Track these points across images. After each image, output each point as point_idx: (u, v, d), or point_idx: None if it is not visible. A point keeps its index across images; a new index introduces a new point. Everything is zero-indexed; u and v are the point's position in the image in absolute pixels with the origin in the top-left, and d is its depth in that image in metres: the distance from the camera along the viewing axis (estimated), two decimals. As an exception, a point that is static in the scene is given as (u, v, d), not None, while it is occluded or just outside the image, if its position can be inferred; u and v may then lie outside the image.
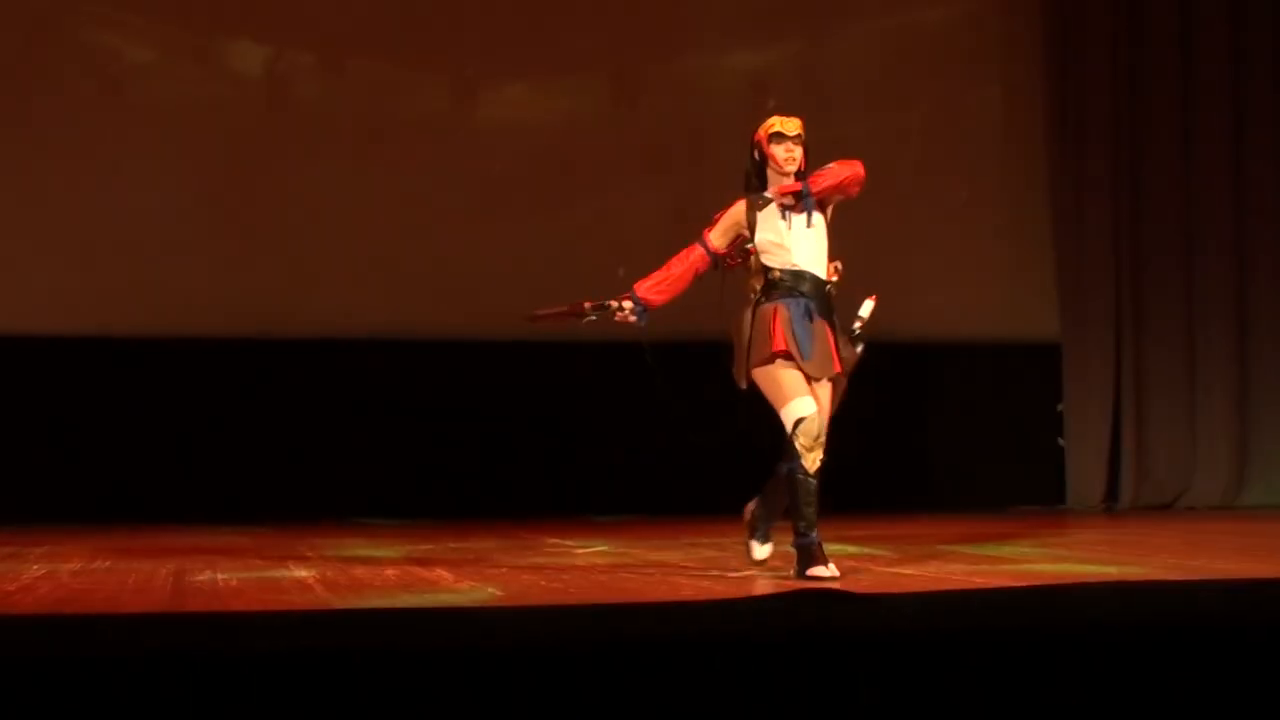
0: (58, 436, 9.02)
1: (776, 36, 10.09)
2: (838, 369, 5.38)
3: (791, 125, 5.58)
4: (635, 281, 5.67)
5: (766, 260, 5.47)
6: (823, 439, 5.26)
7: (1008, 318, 10.26)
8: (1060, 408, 10.23)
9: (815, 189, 5.43)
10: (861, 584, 4.98)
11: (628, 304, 5.65)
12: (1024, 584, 4.81)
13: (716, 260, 5.59)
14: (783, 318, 5.33)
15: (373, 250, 9.41)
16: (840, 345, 5.42)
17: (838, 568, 5.21)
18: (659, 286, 5.64)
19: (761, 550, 5.70)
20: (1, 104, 9.09)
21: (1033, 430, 10.21)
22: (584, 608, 4.04)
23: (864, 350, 5.52)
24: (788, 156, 5.53)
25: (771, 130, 5.59)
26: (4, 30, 9.16)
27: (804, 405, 5.27)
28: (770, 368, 5.33)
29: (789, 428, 5.27)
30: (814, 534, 5.24)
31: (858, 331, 5.51)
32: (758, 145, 5.64)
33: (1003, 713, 3.27)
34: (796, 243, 5.43)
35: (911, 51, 10.20)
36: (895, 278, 10.11)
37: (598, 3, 9.86)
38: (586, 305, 5.68)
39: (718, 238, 5.59)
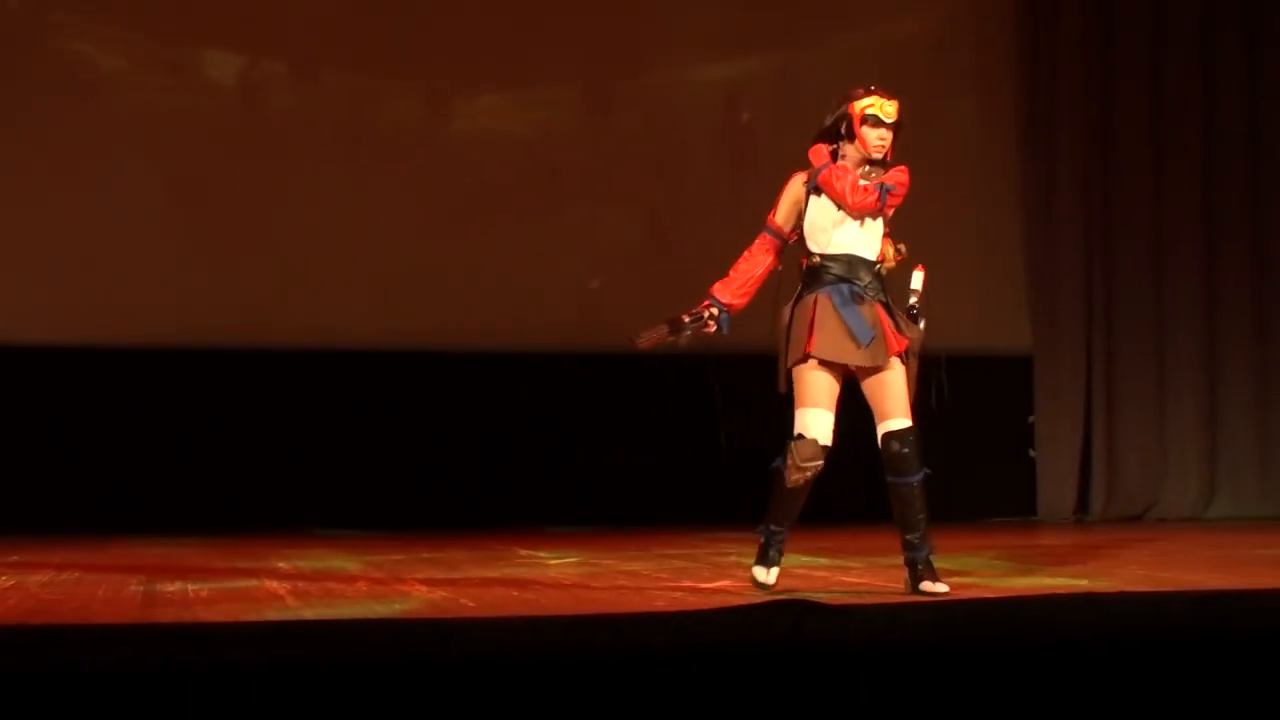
0: (24, 446, 8.96)
1: (750, 50, 10.10)
2: (895, 350, 5.11)
3: (891, 109, 5.22)
4: (713, 285, 5.32)
5: (811, 245, 5.18)
6: (817, 464, 5.03)
7: (980, 330, 10.27)
8: (1032, 419, 10.25)
9: (888, 206, 5.17)
10: (833, 595, 4.98)
11: (713, 310, 5.26)
12: (995, 595, 4.82)
13: (786, 243, 5.26)
14: (824, 310, 5.06)
15: (347, 259, 9.38)
16: (902, 326, 5.14)
17: (803, 582, 5.21)
18: (740, 288, 5.27)
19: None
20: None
21: (1005, 442, 10.23)
22: (556, 619, 4.03)
23: (925, 327, 5.23)
24: (879, 144, 5.19)
25: (868, 110, 5.21)
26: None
27: (814, 423, 5.05)
28: (803, 366, 5.08)
29: (792, 434, 5.09)
30: (774, 534, 5.14)
31: (915, 307, 5.21)
32: (846, 118, 5.24)
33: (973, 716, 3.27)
34: (847, 223, 5.15)
35: (885, 65, 10.18)
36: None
37: (572, 15, 9.85)
38: (685, 319, 5.28)
39: (782, 218, 5.26)
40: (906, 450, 5.12)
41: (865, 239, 5.17)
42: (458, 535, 8.17)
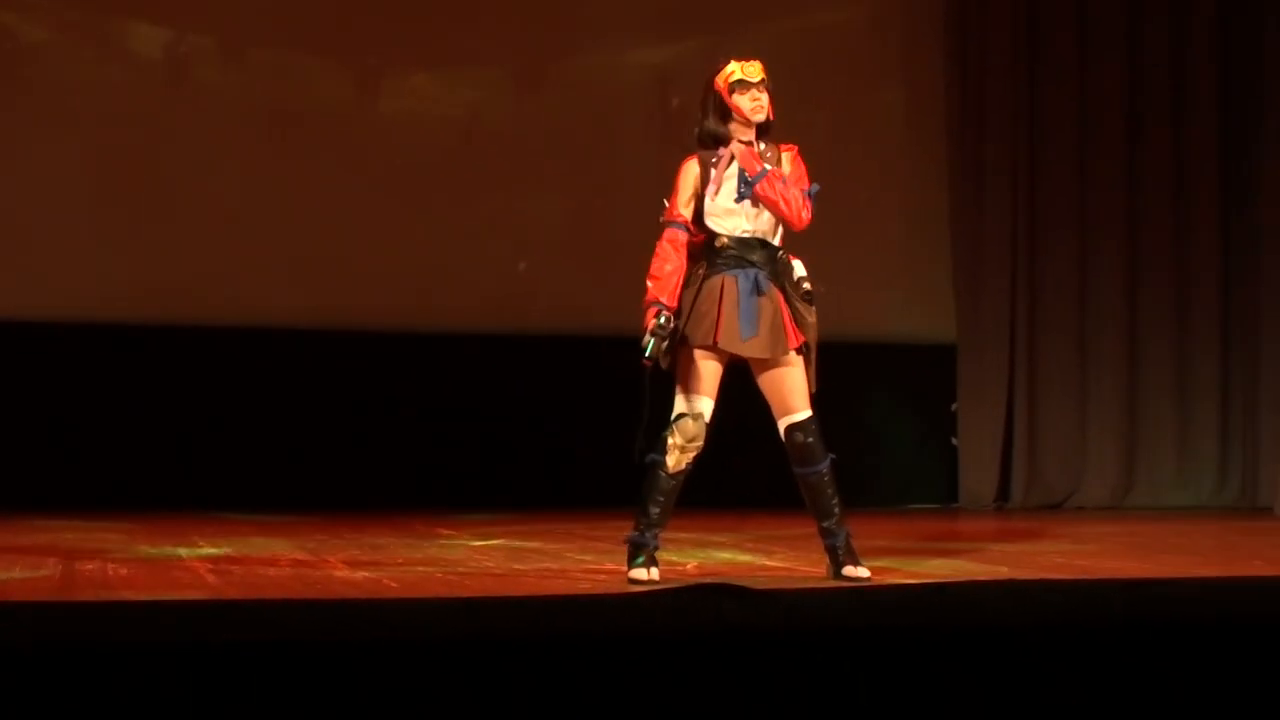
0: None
1: (681, 34, 10.08)
2: (794, 344, 5.02)
3: (754, 70, 5.08)
4: (648, 292, 5.07)
5: (714, 225, 5.05)
6: (699, 444, 4.95)
7: (906, 319, 10.33)
8: (954, 408, 10.32)
9: (760, 193, 5.01)
10: (756, 580, 5.00)
11: (668, 314, 5.00)
12: (917, 581, 4.85)
13: (691, 233, 5.09)
14: (729, 299, 4.95)
15: (273, 237, 9.30)
16: (801, 315, 5.04)
17: (726, 567, 5.21)
18: (674, 289, 5.04)
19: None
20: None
21: (927, 429, 10.30)
22: (479, 600, 4.02)
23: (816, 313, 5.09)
24: (754, 105, 5.07)
25: (733, 78, 5.08)
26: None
27: (697, 403, 4.96)
28: (698, 351, 4.98)
29: (671, 418, 4.99)
30: (650, 534, 5.01)
31: (810, 293, 5.09)
32: (716, 95, 5.13)
33: (895, 709, 3.29)
34: (748, 206, 5.03)
35: (813, 51, 10.22)
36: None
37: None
38: (658, 326, 4.97)
39: (684, 208, 5.10)
40: (810, 440, 5.11)
41: (769, 223, 5.08)
42: (381, 517, 8.13)
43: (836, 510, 5.12)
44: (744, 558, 5.98)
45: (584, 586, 4.77)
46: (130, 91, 9.23)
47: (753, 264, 5.02)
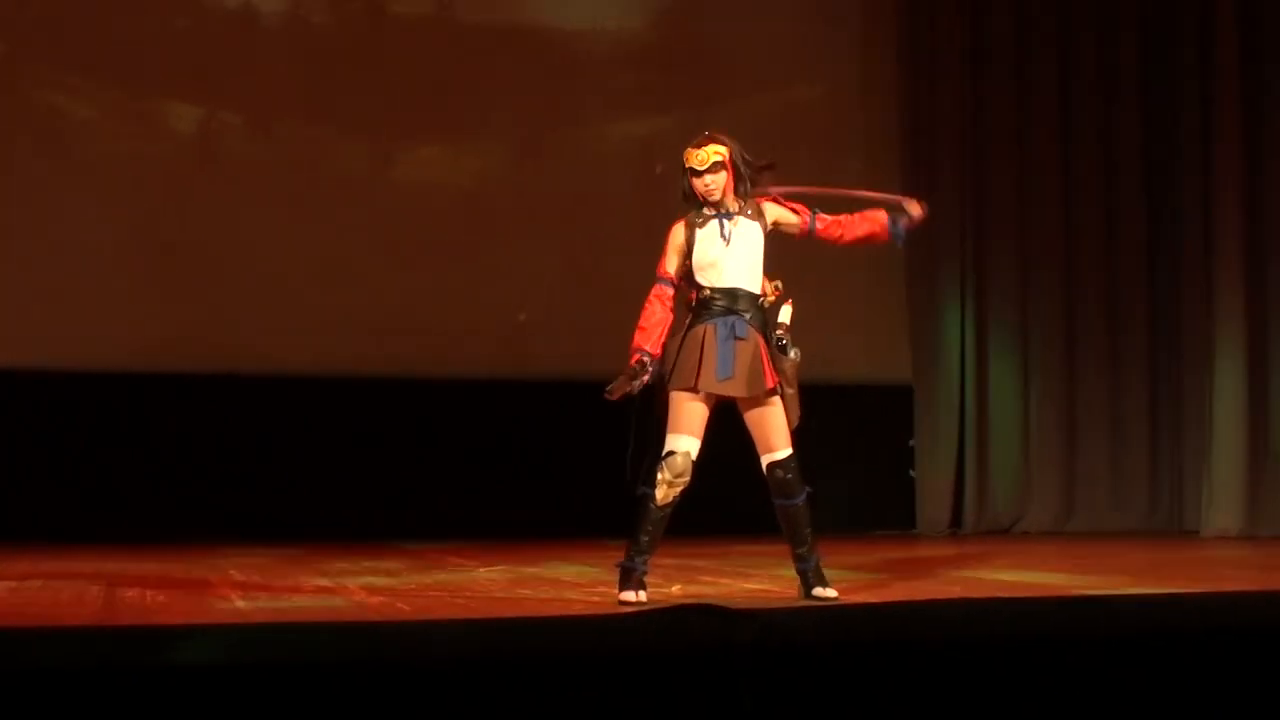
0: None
1: (662, 109, 10.13)
2: (771, 384, 4.96)
3: (701, 158, 5.07)
4: (634, 339, 5.08)
5: (700, 278, 5.02)
6: (686, 479, 4.90)
7: (866, 362, 10.35)
8: (912, 443, 10.32)
9: (828, 235, 5.22)
10: (738, 600, 4.97)
11: (646, 360, 5.01)
12: (880, 600, 4.83)
13: (678, 289, 5.09)
14: (710, 344, 4.92)
15: (294, 297, 9.30)
16: (775, 359, 5.00)
17: (709, 589, 5.18)
18: (658, 338, 5.04)
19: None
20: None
21: (887, 463, 10.29)
22: (483, 621, 3.99)
23: (798, 356, 5.08)
24: (706, 189, 5.04)
25: (686, 165, 5.11)
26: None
27: (683, 442, 4.91)
28: (683, 394, 4.94)
29: (662, 455, 4.95)
30: (639, 560, 4.96)
31: (783, 339, 5.07)
32: (683, 174, 5.15)
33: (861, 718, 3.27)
34: (731, 259, 4.99)
35: (783, 124, 10.27)
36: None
37: (504, 75, 9.84)
38: (635, 368, 5.00)
39: (670, 265, 5.10)
40: (790, 476, 5.08)
41: (748, 274, 5.05)
42: (395, 547, 8.09)
43: (809, 538, 5.10)
44: (724, 581, 5.95)
45: (577, 608, 4.73)
46: (166, 164, 9.25)
47: (735, 311, 4.99)
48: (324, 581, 5.91)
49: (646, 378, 5.02)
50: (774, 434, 5.06)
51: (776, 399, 5.03)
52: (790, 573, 5.21)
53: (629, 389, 4.99)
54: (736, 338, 4.97)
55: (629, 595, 4.92)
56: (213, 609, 4.78)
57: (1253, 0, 9.78)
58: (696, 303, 5.06)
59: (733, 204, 5.11)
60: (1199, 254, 9.94)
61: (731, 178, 5.10)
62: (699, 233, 5.06)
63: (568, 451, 9.53)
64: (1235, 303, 9.66)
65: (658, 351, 5.03)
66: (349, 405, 9.36)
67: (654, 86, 10.12)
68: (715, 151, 5.09)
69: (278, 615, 4.54)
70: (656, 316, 5.07)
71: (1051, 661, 3.46)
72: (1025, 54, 10.46)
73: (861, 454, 10.25)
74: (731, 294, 5.02)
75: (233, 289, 9.24)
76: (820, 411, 10.17)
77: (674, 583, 5.76)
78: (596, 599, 5.11)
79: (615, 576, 5.03)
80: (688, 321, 5.06)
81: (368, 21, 9.84)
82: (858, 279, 10.33)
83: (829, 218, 5.25)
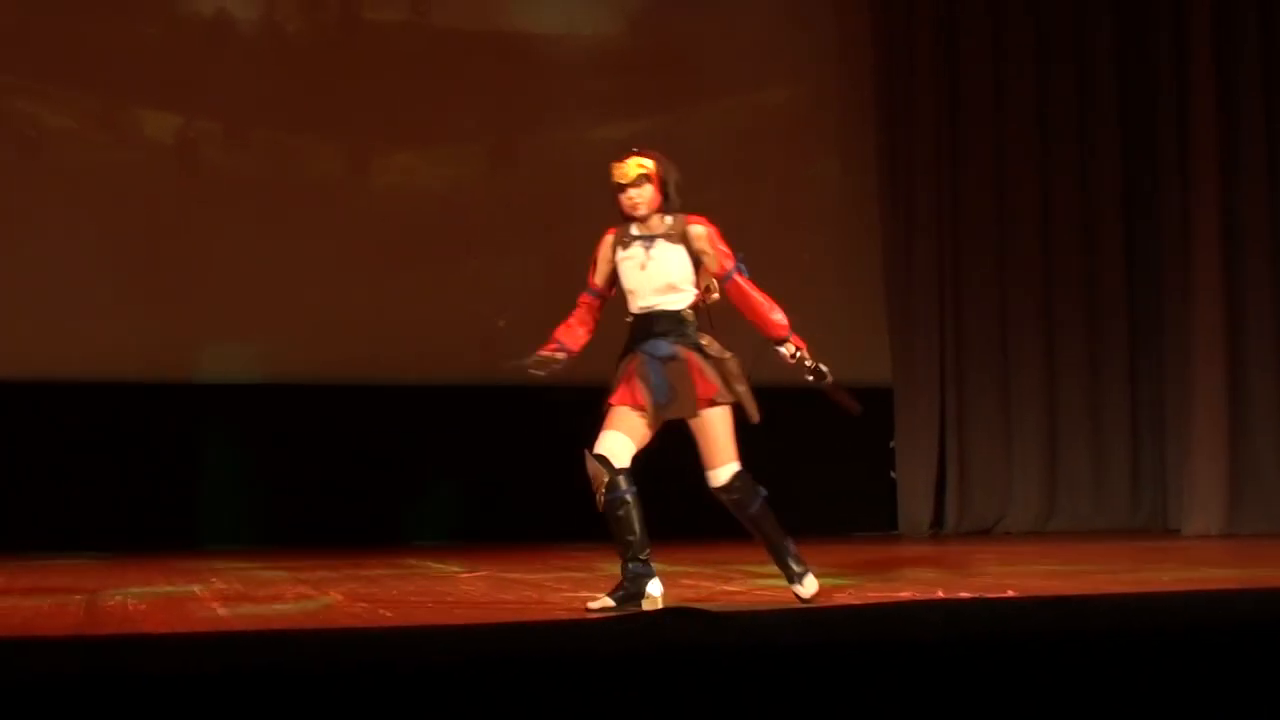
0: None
1: (639, 113, 10.16)
2: (703, 401, 4.86)
3: (625, 171, 5.04)
4: (557, 330, 5.18)
5: (628, 302, 5.00)
6: (602, 480, 4.85)
7: (846, 364, 10.31)
8: (892, 444, 10.35)
9: (732, 293, 5.03)
10: (720, 602, 4.99)
11: (559, 354, 5.09)
12: (861, 602, 4.85)
13: (605, 299, 5.09)
14: (640, 370, 4.88)
15: (273, 302, 9.30)
16: (713, 367, 4.91)
17: (691, 592, 5.19)
18: (576, 336, 5.11)
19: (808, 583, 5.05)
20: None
21: (868, 464, 10.32)
22: (466, 627, 4.00)
23: (733, 359, 4.99)
24: (630, 204, 4.99)
25: (611, 180, 5.09)
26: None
27: (605, 444, 4.87)
28: (621, 407, 4.92)
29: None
30: (639, 558, 4.91)
31: (811, 370, 5.24)
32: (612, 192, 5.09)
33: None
34: (648, 284, 4.92)
35: (757, 126, 10.32)
36: (747, 328, 10.23)
37: (478, 79, 9.85)
38: (541, 357, 5.09)
39: (598, 278, 5.08)
40: (736, 495, 4.98)
41: (666, 293, 4.96)
42: (375, 552, 8.09)
43: (775, 538, 5.06)
44: (705, 584, 5.97)
45: (559, 613, 4.75)
46: (143, 172, 9.23)
47: (654, 335, 4.92)
48: (305, 588, 5.91)
49: (558, 368, 5.06)
50: (712, 451, 4.96)
51: (717, 410, 4.92)
52: (738, 575, 5.21)
53: (534, 370, 5.03)
54: (661, 359, 4.90)
55: (656, 588, 4.89)
56: (194, 617, 4.78)
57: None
58: (630, 325, 5.02)
59: (658, 223, 5.02)
60: (1178, 255, 9.99)
61: (658, 193, 5.00)
62: (620, 254, 5.01)
63: (547, 456, 9.52)
64: (1214, 302, 9.72)
65: (574, 349, 5.07)
66: (329, 411, 9.35)
67: (629, 90, 10.15)
68: (639, 165, 5.03)
69: (260, 624, 4.53)
70: (575, 319, 5.12)
71: (1034, 661, 3.48)
72: (1001, 55, 10.51)
73: (842, 455, 10.27)
74: (648, 318, 4.94)
75: (210, 297, 9.22)
76: (800, 413, 10.30)
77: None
78: (578, 603, 5.12)
79: (593, 579, 5.00)
80: (625, 344, 5.02)
81: (342, 28, 9.85)
82: (835, 280, 10.37)
83: (745, 284, 5.10)
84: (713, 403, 4.92)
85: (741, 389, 4.98)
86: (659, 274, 4.94)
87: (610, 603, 4.85)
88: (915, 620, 3.74)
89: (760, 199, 10.29)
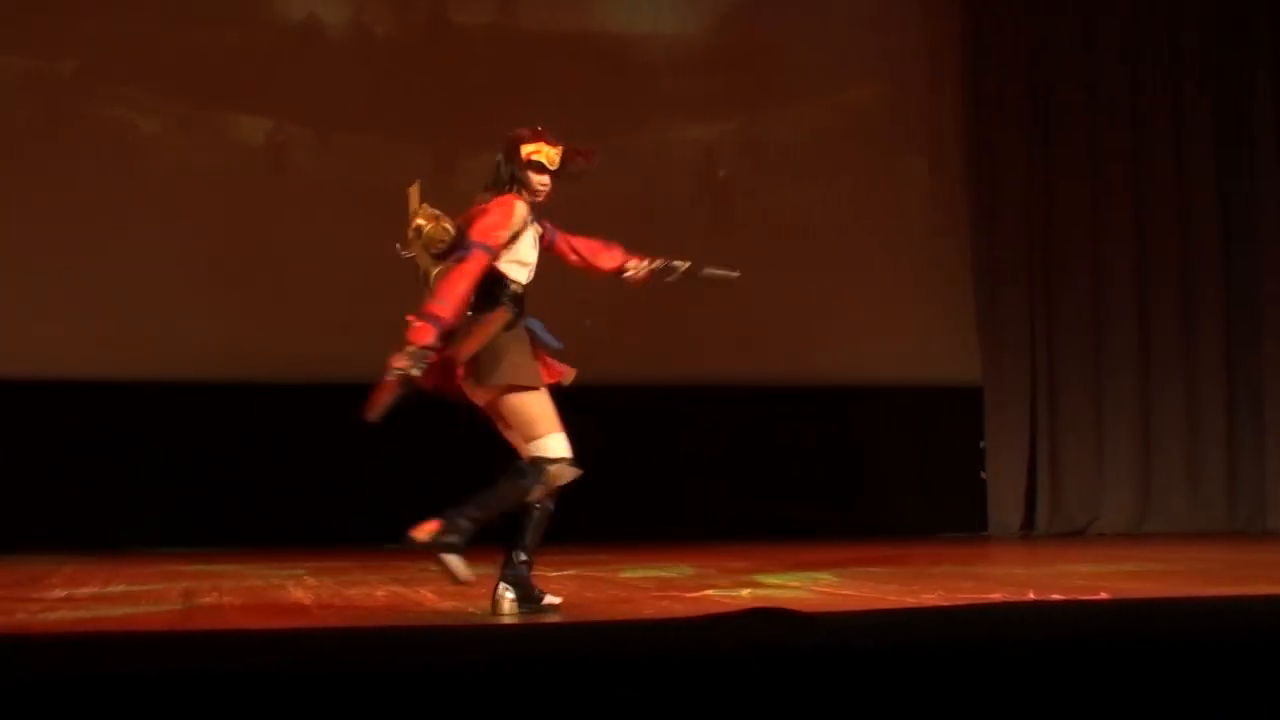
0: (74, 471, 8.95)
1: (724, 114, 10.18)
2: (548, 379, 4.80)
3: (555, 155, 5.02)
4: (443, 311, 4.94)
5: (513, 273, 4.89)
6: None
7: (935, 364, 10.32)
8: (982, 444, 10.27)
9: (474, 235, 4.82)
10: (807, 603, 4.98)
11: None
12: (951, 603, 4.82)
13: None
14: (534, 342, 4.86)
15: (359, 301, 9.38)
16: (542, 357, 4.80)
17: (778, 592, 5.18)
18: (455, 307, 4.88)
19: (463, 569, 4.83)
20: (31, 170, 9.07)
21: (958, 465, 10.25)
22: (553, 626, 4.03)
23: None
24: (541, 189, 4.99)
25: (533, 156, 4.96)
26: (34, 105, 9.16)
27: (564, 446, 4.81)
28: (533, 394, 4.84)
29: (545, 461, 4.78)
30: (528, 561, 4.83)
31: (663, 268, 5.14)
32: (517, 158, 4.99)
33: None
34: (535, 260, 4.95)
35: (844, 124, 10.29)
36: (836, 329, 10.22)
37: (563, 81, 9.89)
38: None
39: (503, 241, 4.92)
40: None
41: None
42: (468, 552, 8.11)
43: (494, 510, 4.88)
44: (792, 585, 5.95)
45: (648, 612, 4.76)
46: (234, 175, 9.37)
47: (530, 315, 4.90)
48: (396, 586, 5.97)
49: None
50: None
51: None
52: (828, 576, 5.18)
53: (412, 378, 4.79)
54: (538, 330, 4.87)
55: (552, 599, 4.82)
56: (288, 614, 4.84)
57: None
58: (509, 296, 4.86)
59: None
60: (1276, 253, 9.82)
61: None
62: (529, 229, 4.96)
63: (630, 457, 9.57)
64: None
65: (442, 316, 4.83)
66: (423, 410, 9.42)
67: (714, 90, 10.15)
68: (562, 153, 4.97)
69: (350, 620, 4.58)
70: (466, 290, 4.83)
71: (1127, 664, 3.44)
72: (1092, 48, 10.38)
73: (931, 456, 10.22)
74: (525, 294, 4.93)
75: (301, 298, 9.34)
76: (890, 413, 10.27)
77: (742, 587, 5.77)
78: (666, 603, 5.13)
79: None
80: (504, 318, 4.82)
81: (430, 30, 9.94)
82: (922, 279, 10.31)
83: (568, 237, 5.14)
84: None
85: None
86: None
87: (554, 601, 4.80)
88: (1007, 622, 3.71)
89: (845, 198, 10.26)
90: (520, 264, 4.92)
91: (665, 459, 9.72)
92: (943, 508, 10.18)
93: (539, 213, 4.95)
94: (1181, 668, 3.40)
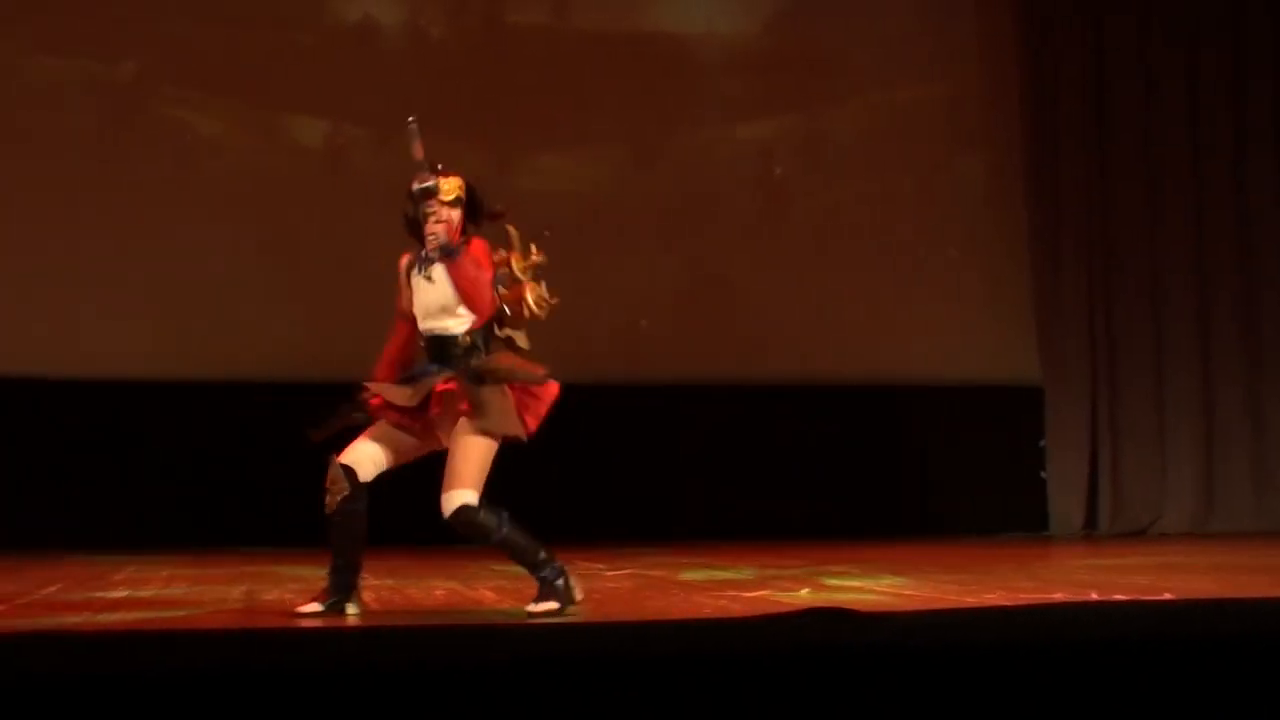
0: (138, 470, 9.05)
1: (780, 110, 10.16)
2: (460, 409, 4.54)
3: (444, 189, 4.86)
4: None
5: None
6: (345, 490, 4.74)
7: (995, 364, 10.26)
8: (1042, 444, 10.20)
9: (453, 272, 4.69)
10: (868, 603, 4.96)
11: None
12: (1011, 603, 4.79)
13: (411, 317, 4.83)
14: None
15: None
16: (469, 390, 4.59)
17: (837, 592, 5.15)
18: (386, 368, 4.95)
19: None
20: (92, 172, 9.17)
21: (1018, 464, 10.19)
22: (613, 625, 4.04)
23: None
24: (435, 225, 4.84)
25: (413, 188, 4.76)
26: (96, 108, 9.26)
27: (351, 452, 4.74)
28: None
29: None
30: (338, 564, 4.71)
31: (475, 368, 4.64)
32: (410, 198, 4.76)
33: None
34: (423, 303, 4.75)
35: (900, 123, 10.25)
36: (894, 328, 10.18)
37: (619, 81, 9.92)
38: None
39: (403, 301, 4.89)
40: (465, 531, 4.59)
41: (439, 310, 4.77)
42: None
43: (532, 559, 4.73)
44: (852, 584, 5.94)
45: (706, 611, 4.75)
46: (291, 176, 9.44)
47: (436, 362, 4.69)
48: (455, 584, 6.00)
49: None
50: (448, 474, 4.63)
51: (462, 436, 4.61)
52: (887, 576, 5.16)
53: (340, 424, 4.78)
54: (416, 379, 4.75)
55: (352, 609, 4.72)
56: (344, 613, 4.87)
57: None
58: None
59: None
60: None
61: (459, 223, 4.93)
62: (415, 276, 4.88)
63: (690, 455, 9.58)
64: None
65: (383, 375, 4.86)
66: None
67: (770, 89, 10.13)
68: (459, 185, 4.94)
69: (409, 620, 4.61)
70: (388, 350, 5.00)
71: (1192, 665, 3.41)
72: (1150, 44, 10.28)
73: (991, 455, 10.16)
74: (429, 341, 4.82)
75: (358, 298, 9.39)
76: (950, 413, 10.21)
77: (802, 586, 5.76)
78: (723, 602, 5.13)
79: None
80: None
81: (485, 32, 9.98)
82: (980, 278, 10.26)
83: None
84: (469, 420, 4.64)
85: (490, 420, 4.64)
86: (445, 287, 4.86)
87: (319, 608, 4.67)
88: (1068, 622, 3.68)
89: (901, 197, 10.22)
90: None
91: (721, 459, 9.71)
92: (1003, 507, 10.12)
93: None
94: (1248, 668, 3.37)
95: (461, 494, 4.48)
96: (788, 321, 9.86)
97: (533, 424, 4.63)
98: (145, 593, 5.66)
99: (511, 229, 4.77)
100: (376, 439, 4.74)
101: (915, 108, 10.33)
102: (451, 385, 4.59)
